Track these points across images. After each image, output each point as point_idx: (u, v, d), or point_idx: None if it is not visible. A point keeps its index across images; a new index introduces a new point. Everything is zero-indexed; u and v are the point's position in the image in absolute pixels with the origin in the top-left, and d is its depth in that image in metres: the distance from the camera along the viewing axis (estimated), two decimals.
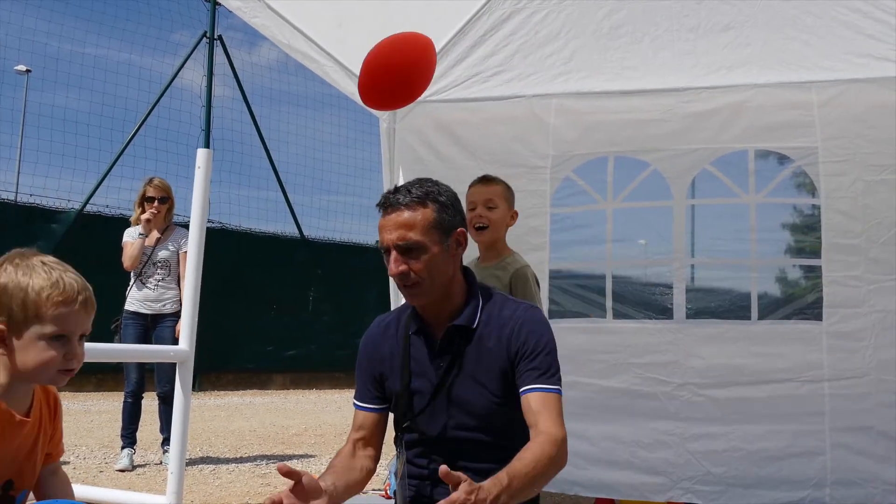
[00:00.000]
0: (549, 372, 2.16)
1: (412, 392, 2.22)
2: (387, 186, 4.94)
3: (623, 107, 4.59)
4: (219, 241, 11.95)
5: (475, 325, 2.21)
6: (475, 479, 1.82)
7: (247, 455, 6.37)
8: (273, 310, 13.26)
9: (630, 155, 4.60)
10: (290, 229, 13.89)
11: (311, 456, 6.50)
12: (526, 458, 1.96)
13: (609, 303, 4.50)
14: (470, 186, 3.47)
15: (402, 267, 2.13)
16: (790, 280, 4.70)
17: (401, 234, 2.12)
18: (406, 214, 2.13)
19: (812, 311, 4.30)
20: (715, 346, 4.32)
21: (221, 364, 12.45)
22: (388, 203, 2.16)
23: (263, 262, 12.92)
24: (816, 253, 4.32)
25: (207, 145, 12.17)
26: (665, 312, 4.41)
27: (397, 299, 4.91)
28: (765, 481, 4.21)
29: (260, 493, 4.89)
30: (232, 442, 7.06)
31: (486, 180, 3.47)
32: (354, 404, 2.35)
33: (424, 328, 2.24)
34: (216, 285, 11.71)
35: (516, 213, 3.47)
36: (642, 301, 4.51)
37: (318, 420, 9.24)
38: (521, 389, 2.15)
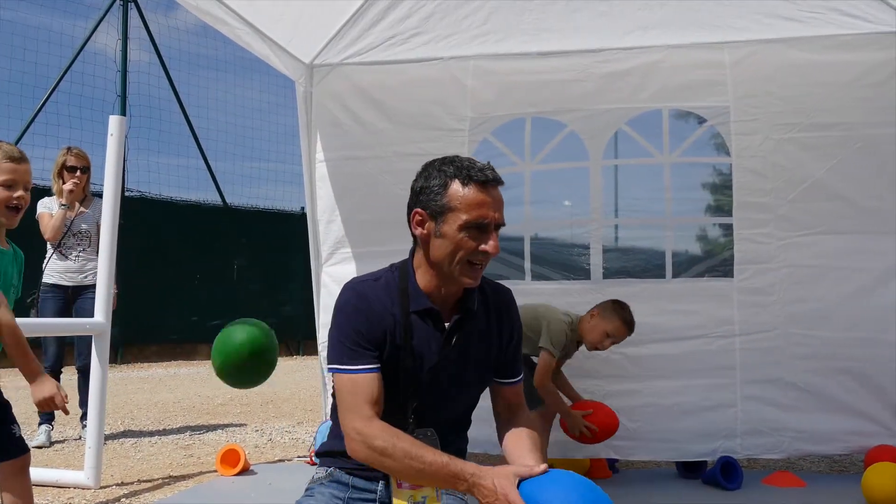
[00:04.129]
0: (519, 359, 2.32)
1: (417, 374, 2.09)
2: (305, 152, 4.87)
3: (540, 68, 4.60)
4: (138, 210, 11.65)
5: (476, 308, 2.17)
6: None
7: (170, 427, 6.27)
8: (197, 279, 13.03)
9: (547, 116, 4.62)
10: (212, 197, 13.64)
11: (236, 425, 6.44)
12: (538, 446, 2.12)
13: (527, 265, 4.55)
14: (616, 320, 4.02)
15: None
16: (710, 238, 4.80)
17: (501, 213, 2.05)
18: (501, 193, 2.07)
19: (724, 268, 4.41)
20: (631, 305, 4.40)
21: (145, 336, 12.22)
22: (494, 179, 2.04)
23: (185, 230, 12.65)
24: (731, 211, 4.42)
25: (124, 112, 11.82)
26: (583, 273, 4.48)
27: (318, 269, 4.87)
28: (679, 435, 4.34)
29: (182, 465, 4.83)
30: (155, 414, 6.95)
31: (630, 324, 4.04)
32: (356, 370, 2.01)
33: (431, 308, 2.10)
34: (137, 256, 11.46)
35: None
36: (560, 262, 4.56)
37: (245, 389, 9.15)
38: (512, 380, 2.27)
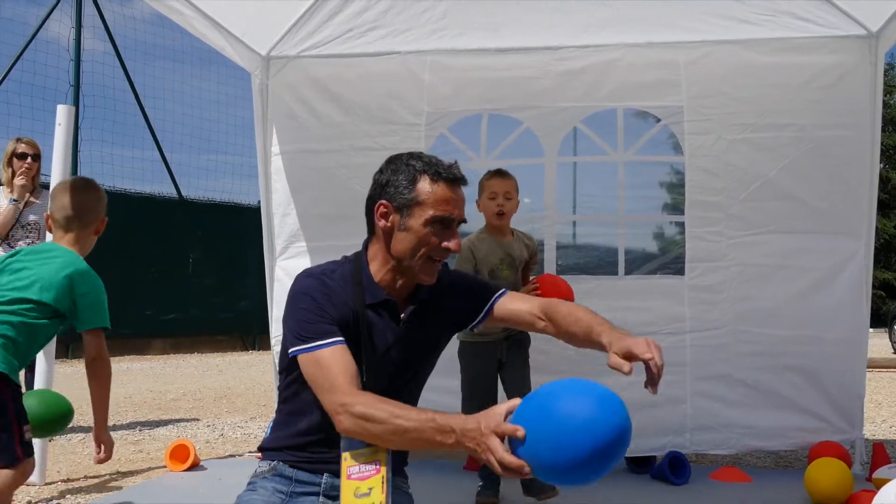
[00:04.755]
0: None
1: (372, 365, 2.10)
2: (260, 145, 4.81)
3: (497, 64, 4.61)
4: None
5: (427, 297, 2.20)
6: None
7: (120, 423, 6.18)
8: (151, 273, 12.86)
9: (504, 112, 4.63)
10: (167, 189, 13.48)
11: (188, 420, 6.38)
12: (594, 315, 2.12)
13: None
14: (489, 178, 3.85)
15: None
16: (666, 236, 4.86)
17: (464, 211, 2.13)
18: (463, 192, 2.15)
19: (675, 265, 4.47)
20: (584, 301, 4.35)
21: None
22: (462, 178, 2.12)
23: (139, 223, 12.47)
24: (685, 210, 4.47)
25: (77, 102, 11.63)
26: (536, 269, 4.49)
27: (271, 262, 4.81)
28: None
29: (131, 461, 4.77)
30: None
31: (505, 175, 3.85)
32: (326, 344, 1.99)
33: (387, 300, 2.12)
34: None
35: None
36: None
37: (199, 384, 9.06)
38: (493, 300, 2.26)
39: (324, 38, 4.62)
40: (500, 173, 3.84)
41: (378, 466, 1.96)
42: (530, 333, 3.79)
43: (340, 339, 2.01)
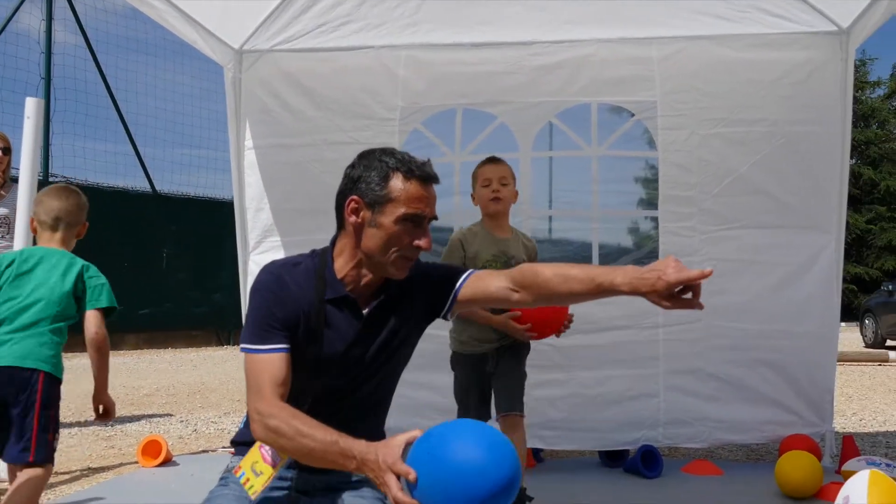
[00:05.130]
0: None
1: (330, 361, 2.09)
2: (233, 139, 4.78)
3: (471, 59, 4.60)
4: None
5: (394, 291, 2.17)
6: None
7: (91, 418, 6.11)
8: (124, 267, 12.73)
9: (478, 107, 4.62)
10: (140, 184, 13.36)
11: (161, 416, 6.33)
12: (586, 267, 2.05)
13: None
14: (481, 166, 3.60)
15: None
16: (641, 231, 4.87)
17: (435, 209, 2.10)
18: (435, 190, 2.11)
19: (650, 260, 4.45)
20: None
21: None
22: (435, 176, 2.09)
23: (112, 218, 12.34)
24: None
25: (48, 95, 11.50)
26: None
27: (245, 257, 4.78)
28: (603, 424, 4.40)
29: (103, 457, 4.72)
30: (77, 405, 6.77)
31: (498, 161, 3.63)
32: (264, 350, 2.00)
33: (347, 296, 2.09)
34: None
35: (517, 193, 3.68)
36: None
37: (172, 380, 9.00)
38: (458, 283, 2.17)
39: (297, 31, 4.59)
40: (492, 160, 3.64)
41: (277, 463, 2.00)
42: (531, 343, 3.65)
43: (282, 346, 2.01)
